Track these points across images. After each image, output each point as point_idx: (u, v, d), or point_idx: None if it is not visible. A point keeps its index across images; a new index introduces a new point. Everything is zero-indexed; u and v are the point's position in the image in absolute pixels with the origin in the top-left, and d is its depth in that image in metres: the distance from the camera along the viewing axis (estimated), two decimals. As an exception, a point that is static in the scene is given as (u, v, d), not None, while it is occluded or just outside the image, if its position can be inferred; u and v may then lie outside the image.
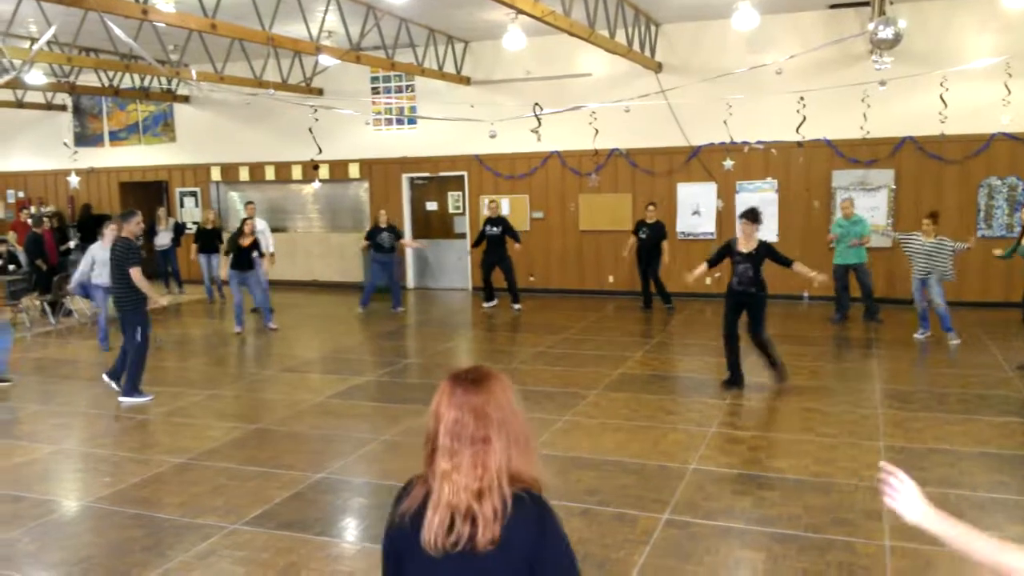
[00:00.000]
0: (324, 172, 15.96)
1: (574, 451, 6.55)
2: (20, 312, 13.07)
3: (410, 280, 16.56)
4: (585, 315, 13.04)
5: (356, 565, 4.82)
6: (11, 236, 15.51)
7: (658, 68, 13.74)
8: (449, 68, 14.62)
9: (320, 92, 15.91)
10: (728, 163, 13.22)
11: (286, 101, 14.10)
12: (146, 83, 16.69)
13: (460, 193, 15.92)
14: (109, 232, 10.74)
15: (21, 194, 19.59)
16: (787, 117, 12.65)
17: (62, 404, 8.48)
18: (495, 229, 13.52)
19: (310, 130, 13.62)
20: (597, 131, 13.81)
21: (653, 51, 13.62)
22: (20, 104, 17.27)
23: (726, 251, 8.31)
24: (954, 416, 7.28)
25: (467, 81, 15.11)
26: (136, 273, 8.25)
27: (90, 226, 15.73)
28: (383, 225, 13.70)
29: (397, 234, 13.82)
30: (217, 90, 14.78)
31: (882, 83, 11.38)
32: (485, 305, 13.83)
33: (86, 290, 11.40)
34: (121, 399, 8.40)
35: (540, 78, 14.47)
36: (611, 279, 14.81)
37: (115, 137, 18.73)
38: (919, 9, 12.19)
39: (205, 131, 17.73)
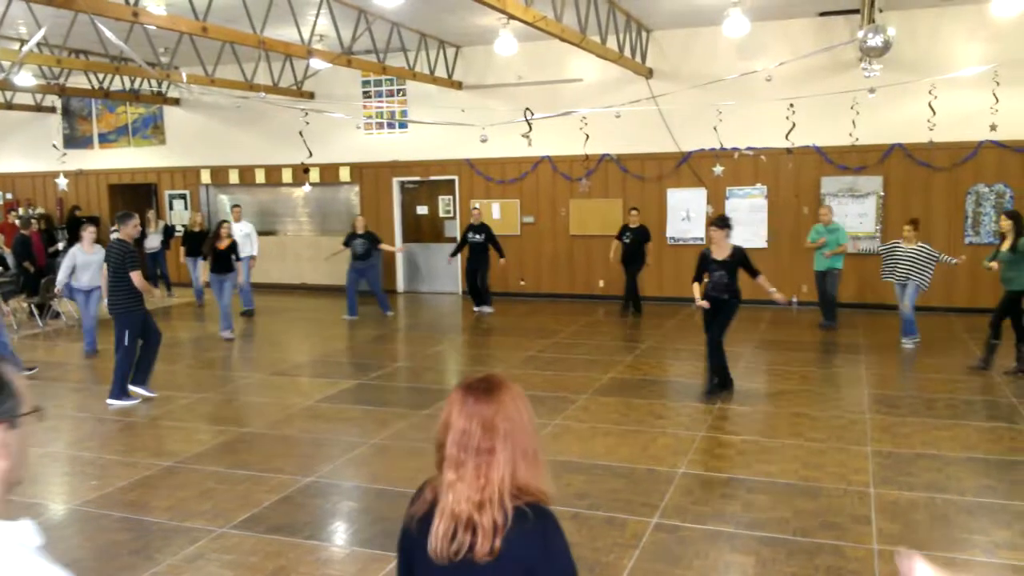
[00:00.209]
0: (315, 176, 15.92)
1: (564, 455, 6.55)
2: (7, 315, 12.97)
3: (400, 284, 16.55)
4: (575, 319, 13.05)
5: (345, 569, 4.80)
6: (-1, 238, 15.46)
7: (649, 74, 13.79)
8: (440, 72, 14.62)
9: (311, 96, 15.87)
10: (718, 169, 13.28)
11: (277, 104, 14.07)
12: (136, 85, 16.62)
13: (451, 197, 15.92)
14: (88, 235, 10.71)
15: (9, 196, 19.49)
16: (777, 124, 12.72)
17: (49, 407, 8.41)
18: (478, 236, 13.54)
19: (301, 133, 13.59)
20: (588, 136, 13.85)
21: (644, 57, 13.67)
22: (9, 106, 17.22)
23: (703, 263, 8.34)
24: (942, 421, 7.32)
25: (458, 85, 15.12)
26: (137, 276, 8.22)
27: (76, 229, 15.65)
28: (359, 232, 13.61)
29: (373, 241, 13.65)
30: (207, 93, 14.72)
31: (871, 90, 11.45)
32: (476, 309, 13.88)
33: (72, 292, 11.34)
34: (108, 401, 8.36)
35: (531, 83, 14.50)
36: (601, 283, 14.83)
37: (104, 139, 18.64)
38: (908, 17, 12.28)
39: (195, 134, 17.68)
